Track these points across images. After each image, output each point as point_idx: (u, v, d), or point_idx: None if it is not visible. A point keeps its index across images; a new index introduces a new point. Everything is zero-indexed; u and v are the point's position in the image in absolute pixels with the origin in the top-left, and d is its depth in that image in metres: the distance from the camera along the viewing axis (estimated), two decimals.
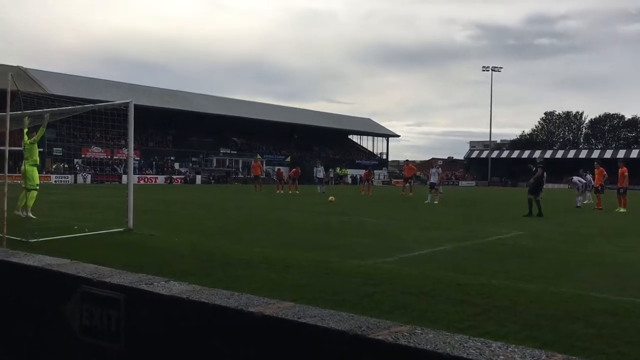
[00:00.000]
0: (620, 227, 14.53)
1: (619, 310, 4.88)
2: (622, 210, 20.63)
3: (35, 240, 8.65)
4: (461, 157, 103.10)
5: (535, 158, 19.68)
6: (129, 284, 2.35)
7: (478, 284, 5.93)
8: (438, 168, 26.11)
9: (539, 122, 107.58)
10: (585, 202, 24.16)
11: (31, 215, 12.09)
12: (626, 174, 21.50)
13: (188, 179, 56.73)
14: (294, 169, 38.08)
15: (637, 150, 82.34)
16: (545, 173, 19.61)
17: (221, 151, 66.23)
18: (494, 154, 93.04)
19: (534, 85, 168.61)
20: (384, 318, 4.47)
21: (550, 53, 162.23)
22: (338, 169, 72.77)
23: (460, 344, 1.66)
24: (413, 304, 4.97)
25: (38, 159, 12.98)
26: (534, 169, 18.12)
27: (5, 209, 8.67)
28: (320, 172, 34.94)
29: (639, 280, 6.67)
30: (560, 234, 12.07)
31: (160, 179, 54.31)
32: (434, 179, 24.97)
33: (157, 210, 16.36)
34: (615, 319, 4.55)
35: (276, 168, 47.80)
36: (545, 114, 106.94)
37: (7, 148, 9.09)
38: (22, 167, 12.65)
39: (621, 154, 75.84)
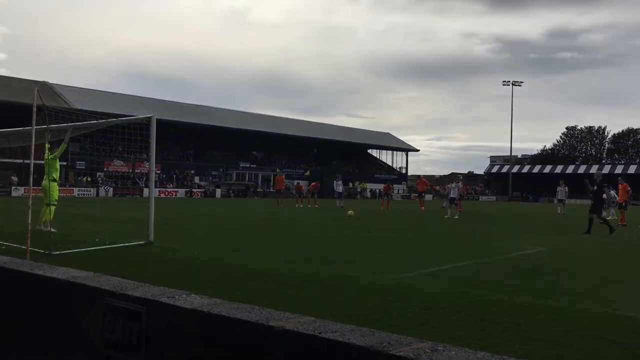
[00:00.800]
0: None
1: None
2: None
3: (58, 252, 8.75)
4: (481, 172, 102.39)
5: (592, 174, 19.84)
6: (151, 297, 2.37)
7: (499, 301, 5.85)
8: (458, 183, 26.00)
9: (560, 137, 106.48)
10: (609, 218, 23.79)
11: (52, 229, 12.26)
12: None
13: (208, 192, 57.12)
14: (313, 183, 38.13)
15: None
16: (605, 190, 19.71)
17: (241, 165, 66.64)
18: (515, 169, 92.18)
19: (556, 100, 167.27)
20: (405, 334, 4.43)
21: (572, 67, 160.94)
22: (357, 182, 72.73)
23: None
24: (433, 320, 4.92)
25: (58, 175, 13.18)
26: (594, 187, 17.39)
27: (30, 221, 8.80)
28: (339, 186, 34.94)
29: None
30: (584, 251, 11.87)
31: (181, 192, 54.78)
32: (453, 194, 24.85)
33: (177, 223, 16.48)
34: (636, 338, 4.45)
35: (295, 182, 47.84)
36: (567, 128, 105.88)
37: (32, 161, 9.26)
38: (43, 182, 12.86)
39: None
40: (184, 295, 2.46)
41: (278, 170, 62.87)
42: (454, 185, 25.51)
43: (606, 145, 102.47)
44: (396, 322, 4.76)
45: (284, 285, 6.52)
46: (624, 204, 21.89)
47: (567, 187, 31.13)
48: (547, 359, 3.63)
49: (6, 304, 3.08)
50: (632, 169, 78.54)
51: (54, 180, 12.92)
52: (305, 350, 1.88)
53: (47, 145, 12.78)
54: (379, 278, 7.24)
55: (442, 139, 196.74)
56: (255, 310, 2.17)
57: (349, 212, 23.09)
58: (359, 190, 68.99)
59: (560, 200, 30.71)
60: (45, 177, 12.89)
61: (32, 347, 2.96)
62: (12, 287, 3.07)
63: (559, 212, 29.64)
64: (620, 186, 22.46)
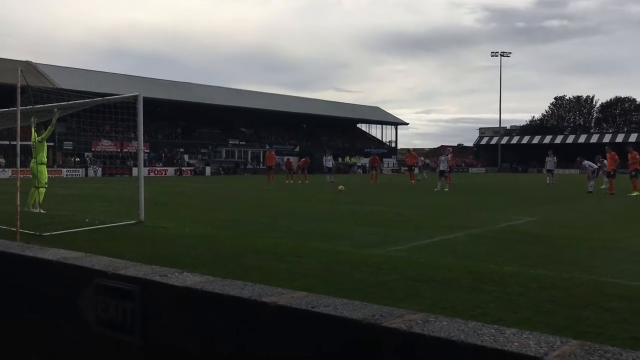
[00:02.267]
0: (633, 211, 14.43)
1: (633, 296, 4.86)
2: (635, 194, 20.48)
3: (49, 233, 8.73)
4: (471, 144, 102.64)
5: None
6: (143, 276, 2.38)
7: (489, 271, 5.92)
8: (447, 155, 26.09)
9: (549, 107, 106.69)
10: (602, 187, 24.02)
11: (41, 210, 12.19)
12: (638, 157, 21.43)
13: (197, 170, 56.93)
14: (303, 159, 38.08)
15: None
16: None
17: (230, 142, 66.34)
18: (504, 140, 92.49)
19: (544, 70, 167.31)
20: (397, 306, 4.48)
21: (560, 36, 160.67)
22: (348, 158, 72.75)
23: (474, 331, 1.66)
24: (425, 292, 4.98)
25: (45, 157, 13.07)
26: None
27: (19, 203, 8.75)
28: (329, 161, 34.93)
29: None
30: (572, 220, 12.01)
31: (170, 171, 54.54)
32: (443, 167, 24.96)
33: (167, 202, 16.44)
34: (629, 305, 4.53)
35: (285, 158, 47.77)
36: (555, 98, 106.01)
37: (18, 143, 9.16)
38: (31, 165, 12.74)
39: (633, 137, 75.15)
40: (177, 274, 2.47)
41: (267, 146, 62.69)
42: (443, 157, 25.60)
43: (594, 114, 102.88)
44: (388, 295, 4.81)
45: (277, 261, 6.56)
46: (612, 173, 22.07)
47: (555, 157, 31.43)
48: (536, 327, 3.69)
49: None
50: (619, 138, 78.95)
51: (42, 162, 12.81)
52: (298, 325, 1.90)
53: (33, 128, 12.64)
54: (370, 252, 7.30)
55: (431, 111, 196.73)
56: (247, 287, 2.18)
57: (340, 187, 23.14)
58: (355, 165, 69.01)
59: (549, 171, 30.96)
60: (33, 159, 12.78)
61: (26, 328, 2.97)
62: (3, 269, 3.06)
63: (548, 182, 29.91)
64: (608, 155, 22.62)
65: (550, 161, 30.84)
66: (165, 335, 2.31)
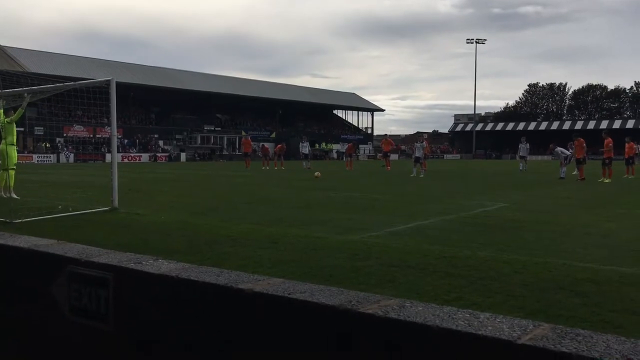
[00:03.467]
0: (604, 197, 14.73)
1: (603, 279, 4.97)
2: (606, 180, 20.90)
3: (20, 220, 8.57)
4: (446, 131, 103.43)
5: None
6: (117, 263, 2.35)
7: (464, 256, 6.00)
8: (422, 142, 26.27)
9: (523, 94, 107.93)
10: (574, 173, 24.42)
11: (14, 195, 11.94)
12: (611, 144, 21.92)
13: (172, 156, 56.39)
14: (279, 145, 37.93)
15: (620, 121, 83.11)
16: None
17: (205, 128, 65.74)
18: (479, 127, 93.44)
19: (518, 57, 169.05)
20: (373, 292, 4.51)
21: (534, 23, 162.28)
22: (324, 144, 72.72)
23: (449, 315, 1.68)
24: (400, 277, 5.02)
25: (15, 139, 12.80)
26: None
27: None
28: (305, 147, 34.86)
29: (622, 250, 6.78)
30: (544, 205, 12.21)
31: (145, 157, 53.93)
32: (418, 153, 25.14)
33: (142, 189, 16.26)
34: (599, 288, 4.64)
35: (261, 144, 47.49)
36: (529, 85, 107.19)
37: None
38: (0, 146, 12.45)
39: (604, 124, 76.52)
40: (152, 261, 2.44)
41: (243, 132, 62.32)
42: (418, 144, 25.79)
43: (567, 101, 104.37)
44: (364, 280, 4.84)
45: (253, 247, 6.55)
46: (582, 159, 22.46)
47: (528, 144, 31.88)
48: (509, 311, 3.76)
49: None
50: (591, 125, 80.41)
51: (12, 144, 12.54)
52: (274, 311, 1.90)
53: (1, 110, 12.34)
54: (345, 238, 7.33)
55: (407, 98, 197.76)
56: (223, 274, 2.17)
57: (316, 173, 23.14)
58: (332, 151, 68.98)
59: (522, 157, 31.38)
60: (2, 141, 12.49)
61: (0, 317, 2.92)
62: None
63: (521, 168, 30.33)
64: (576, 142, 23.00)
65: (523, 147, 31.20)
66: (140, 323, 2.29)
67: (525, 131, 75.01)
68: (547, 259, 5.91)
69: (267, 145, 42.33)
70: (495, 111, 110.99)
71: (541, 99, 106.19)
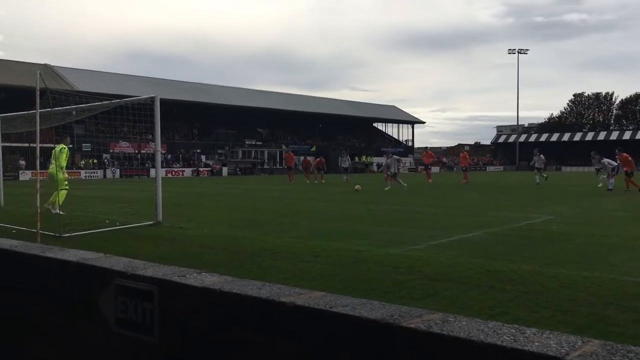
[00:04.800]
0: None
1: None
2: None
3: (68, 234, 8.83)
4: (488, 142, 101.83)
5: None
6: (162, 277, 2.39)
7: (508, 270, 5.87)
8: (391, 159, 25.41)
9: (567, 104, 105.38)
10: (609, 188, 23.63)
11: (60, 212, 12.32)
12: None
13: (215, 171, 57.22)
14: (317, 159, 37.99)
15: None
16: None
17: (246, 142, 66.57)
18: (522, 138, 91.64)
19: (562, 67, 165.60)
20: (415, 306, 4.44)
21: (579, 31, 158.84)
22: (364, 157, 72.60)
23: (494, 330, 1.64)
24: (443, 291, 4.95)
25: (65, 163, 13.39)
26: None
27: (38, 204, 8.86)
28: (345, 161, 34.84)
29: None
30: (591, 218, 11.85)
31: (188, 171, 54.89)
32: (394, 169, 24.92)
33: (185, 203, 16.55)
34: None
35: (302, 157, 47.67)
36: (574, 95, 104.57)
37: (38, 145, 9.28)
38: (50, 169, 12.98)
39: None
40: (195, 274, 2.48)
41: (284, 146, 62.79)
42: (389, 161, 25.45)
43: (614, 111, 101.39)
44: (406, 294, 4.79)
45: (294, 261, 6.56)
46: (630, 172, 21.73)
47: (542, 155, 29.72)
48: (556, 326, 3.65)
49: (19, 287, 3.12)
50: None
51: (61, 167, 13.05)
52: (316, 325, 1.90)
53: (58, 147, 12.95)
54: (387, 251, 7.27)
55: (447, 109, 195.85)
56: (265, 287, 2.18)
57: (356, 186, 23.07)
58: (372, 164, 68.84)
59: (537, 169, 29.30)
60: (52, 163, 12.99)
61: (46, 330, 3.00)
62: (23, 271, 3.10)
63: (537, 181, 28.25)
64: (620, 158, 22.26)
65: (538, 159, 29.20)
66: (183, 335, 2.32)
67: (570, 142, 73.23)
68: (595, 273, 5.73)
69: (309, 158, 42.04)
70: (539, 122, 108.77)
71: (587, 109, 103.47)
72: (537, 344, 1.57)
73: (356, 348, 1.79)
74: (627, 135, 78.94)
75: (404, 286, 5.14)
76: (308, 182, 32.60)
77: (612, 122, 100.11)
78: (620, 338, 3.50)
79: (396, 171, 25.23)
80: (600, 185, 24.42)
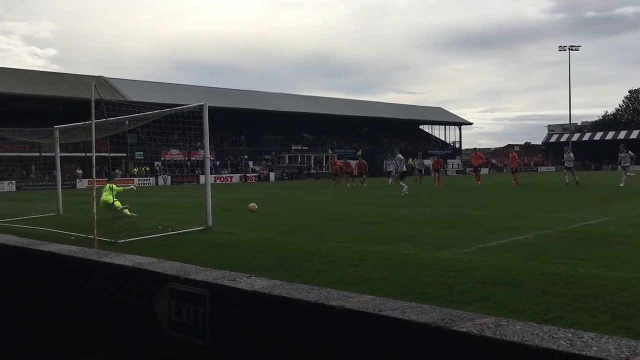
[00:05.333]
0: None
1: None
2: None
3: (123, 240, 9.10)
4: (539, 142, 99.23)
5: None
6: (214, 281, 2.43)
7: (563, 273, 5.70)
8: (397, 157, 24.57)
9: (623, 101, 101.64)
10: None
11: (129, 212, 13.21)
12: None
13: (262, 176, 57.85)
14: (357, 162, 37.40)
15: None
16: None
17: (293, 148, 67.04)
18: (575, 137, 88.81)
19: (617, 62, 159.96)
20: (466, 310, 4.37)
21: (634, 25, 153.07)
22: (411, 160, 71.90)
23: (549, 335, 1.60)
24: (494, 295, 4.85)
25: (115, 194, 14.12)
26: None
27: (95, 211, 9.17)
28: (389, 165, 34.51)
29: None
30: None
31: (236, 177, 55.69)
32: (391, 168, 24.49)
33: (234, 208, 16.79)
34: None
35: (342, 160, 47.15)
36: (629, 92, 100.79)
37: (94, 155, 9.61)
38: (103, 197, 13.69)
39: None
40: (245, 278, 2.51)
41: (330, 151, 62.91)
42: (390, 162, 25.00)
43: None
44: (456, 298, 4.71)
45: (342, 264, 6.56)
46: None
47: (572, 154, 27.84)
48: (615, 331, 3.52)
49: (77, 292, 3.22)
50: None
51: (117, 198, 13.83)
52: (366, 328, 1.89)
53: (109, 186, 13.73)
54: (436, 254, 7.18)
55: (495, 110, 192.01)
56: (314, 291, 2.19)
57: (250, 204, 21.44)
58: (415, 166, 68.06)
59: (567, 168, 27.32)
60: (106, 193, 13.72)
61: (103, 333, 3.09)
62: (82, 276, 3.21)
63: (567, 181, 26.31)
64: None
65: (568, 158, 27.04)
66: (234, 339, 2.36)
67: (626, 140, 70.39)
68: None
69: (349, 161, 40.84)
70: (593, 120, 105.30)
71: None
72: (595, 348, 1.51)
73: (406, 352, 1.78)
74: None
75: (454, 290, 5.06)
76: (348, 185, 32.48)
77: None
78: None
79: (397, 173, 23.88)
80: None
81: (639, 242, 8.01)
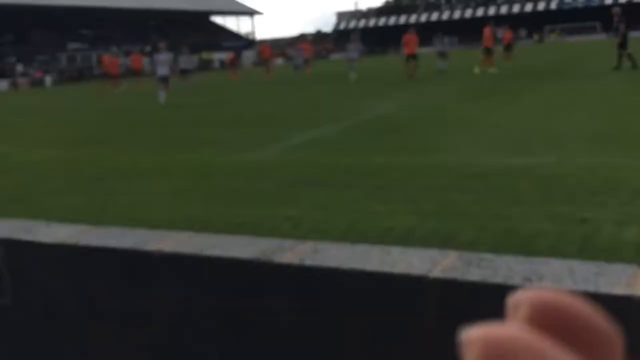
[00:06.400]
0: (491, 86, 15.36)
1: (487, 173, 5.31)
2: (491, 70, 20.49)
3: None
4: (329, 30, 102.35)
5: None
6: (8, 236, 2.17)
7: (362, 164, 6.15)
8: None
9: None
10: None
11: None
12: (489, 34, 22.13)
13: (35, 81, 51.54)
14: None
15: (494, 8, 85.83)
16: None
17: (70, 47, 60.42)
18: (362, 24, 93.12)
19: None
20: (277, 214, 4.53)
21: None
22: (204, 53, 69.80)
23: (362, 255, 1.72)
24: (302, 194, 5.09)
25: None
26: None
27: None
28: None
29: (505, 142, 7.21)
30: (435, 100, 12.59)
31: (3, 84, 48.86)
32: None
33: (7, 122, 14.90)
34: (484, 183, 4.95)
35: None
36: None
37: None
38: None
39: (480, 12, 79.02)
40: (44, 227, 2.27)
41: (114, 49, 58.11)
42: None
43: None
44: (266, 202, 4.85)
45: (146, 179, 6.29)
46: (489, 49, 21.83)
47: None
48: (409, 215, 3.96)
49: None
50: (468, 14, 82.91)
51: None
52: (187, 272, 1.86)
53: None
54: (240, 158, 7.24)
55: None
56: (127, 235, 2.07)
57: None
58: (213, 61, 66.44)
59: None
60: None
61: None
62: None
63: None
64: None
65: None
66: (40, 296, 2.16)
67: (407, 25, 75.80)
68: (441, 159, 6.19)
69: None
70: (378, 5, 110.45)
71: None
72: (402, 264, 1.68)
73: (232, 290, 1.79)
74: (456, 14, 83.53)
75: (263, 193, 5.20)
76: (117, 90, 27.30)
77: (443, 2, 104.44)
78: (462, 217, 3.89)
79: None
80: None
81: (427, 127, 8.88)
